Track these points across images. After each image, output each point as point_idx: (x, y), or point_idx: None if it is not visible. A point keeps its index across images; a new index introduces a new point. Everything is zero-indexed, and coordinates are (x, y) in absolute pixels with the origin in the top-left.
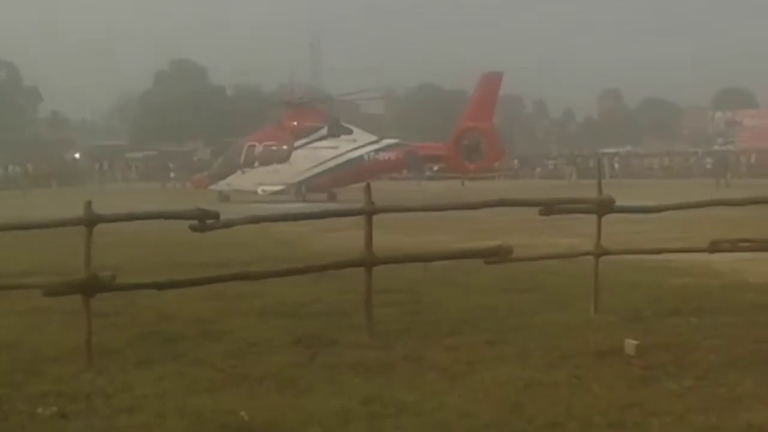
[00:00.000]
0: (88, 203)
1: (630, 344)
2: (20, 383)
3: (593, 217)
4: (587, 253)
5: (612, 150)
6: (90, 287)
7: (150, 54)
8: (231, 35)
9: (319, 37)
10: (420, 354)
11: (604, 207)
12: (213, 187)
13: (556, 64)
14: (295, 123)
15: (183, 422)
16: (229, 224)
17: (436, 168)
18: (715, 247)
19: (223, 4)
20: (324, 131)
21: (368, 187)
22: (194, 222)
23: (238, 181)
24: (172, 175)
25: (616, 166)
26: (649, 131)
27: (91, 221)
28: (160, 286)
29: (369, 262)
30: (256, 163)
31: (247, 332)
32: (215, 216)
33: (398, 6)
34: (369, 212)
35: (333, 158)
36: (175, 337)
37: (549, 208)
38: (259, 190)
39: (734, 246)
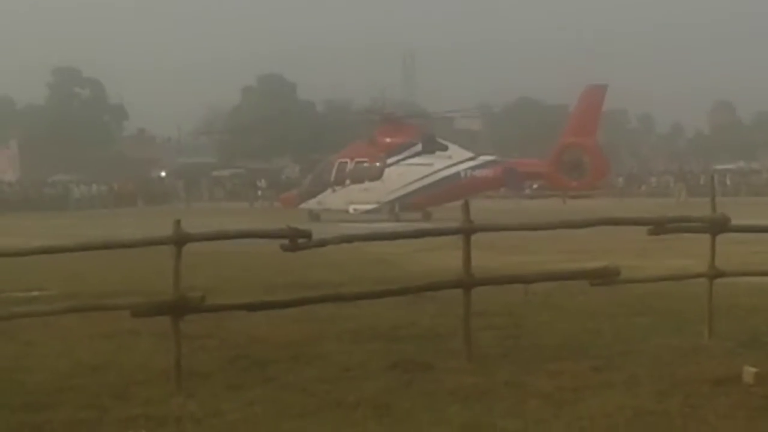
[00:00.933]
0: (177, 222)
1: (749, 372)
2: (108, 407)
3: (706, 237)
4: (700, 275)
5: (725, 166)
6: (179, 308)
7: (238, 70)
8: (321, 50)
9: (412, 52)
10: (522, 380)
11: (718, 226)
12: (303, 205)
13: (664, 76)
14: (388, 139)
15: None
16: (322, 243)
17: (535, 186)
18: None
19: (313, 19)
20: (418, 147)
21: (466, 204)
22: (285, 241)
23: (328, 199)
24: (260, 193)
25: (728, 182)
26: (765, 146)
27: (180, 240)
28: (250, 308)
29: (467, 283)
30: (348, 181)
31: (341, 356)
32: (307, 235)
33: (494, 21)
34: (467, 231)
35: (428, 176)
36: (266, 360)
37: (659, 227)
38: (351, 208)
39: None
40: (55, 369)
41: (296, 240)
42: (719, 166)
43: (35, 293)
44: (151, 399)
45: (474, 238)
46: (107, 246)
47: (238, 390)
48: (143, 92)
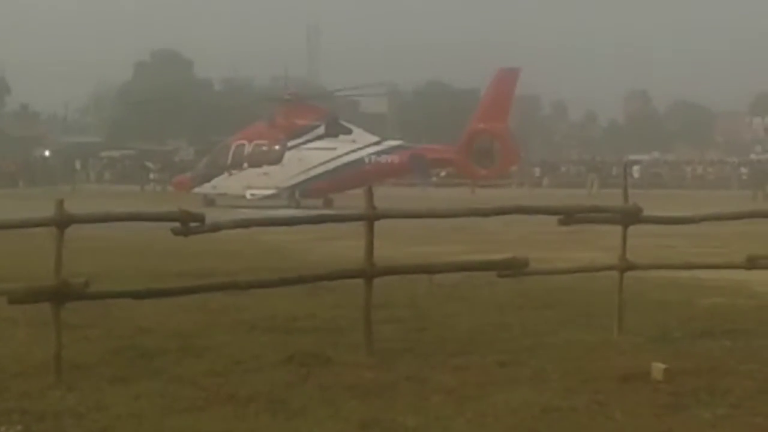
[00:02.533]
0: (60, 202)
1: (657, 368)
2: None
3: (617, 229)
4: (610, 268)
5: (638, 156)
6: (60, 295)
7: (129, 41)
8: (219, 23)
9: (316, 25)
10: (424, 375)
11: (629, 217)
12: (197, 190)
13: (578, 61)
14: (289, 121)
15: None
16: (216, 228)
17: (443, 173)
18: (752, 264)
19: None
20: (321, 130)
21: (369, 190)
22: (177, 225)
23: (224, 183)
24: (151, 176)
25: (636, 174)
26: (680, 137)
27: (62, 222)
28: (137, 295)
29: (369, 273)
30: (245, 165)
31: (234, 348)
32: (200, 219)
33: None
34: (370, 218)
35: (330, 160)
36: (154, 352)
37: (569, 217)
38: (248, 194)
39: None
40: None
41: (188, 223)
42: (633, 157)
43: None
44: (28, 392)
45: (377, 227)
46: None
47: (124, 383)
48: (26, 65)
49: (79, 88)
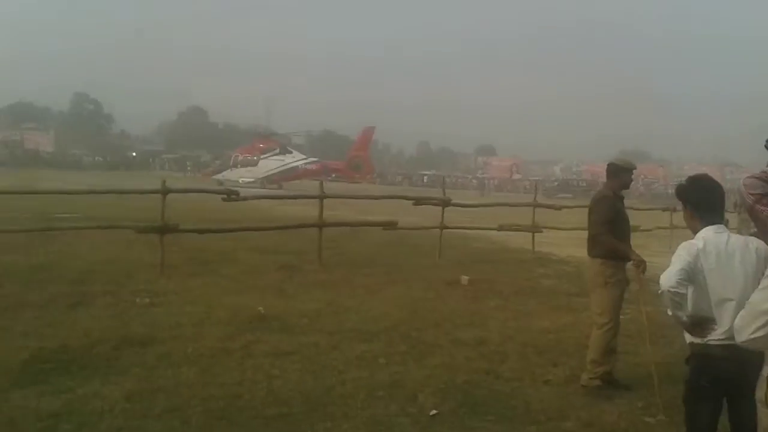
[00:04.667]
0: (164, 181)
1: (464, 278)
2: (123, 283)
3: (439, 208)
4: (436, 227)
5: (427, 172)
6: (163, 229)
7: (176, 98)
8: (221, 90)
9: (272, 97)
10: (350, 277)
11: (445, 202)
12: (214, 177)
13: (393, 123)
14: (261, 145)
15: (225, 312)
16: (245, 198)
17: (334, 175)
18: (500, 227)
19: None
20: (277, 151)
21: (321, 184)
22: (224, 195)
23: (228, 175)
24: (188, 169)
25: (425, 180)
26: (441, 163)
27: (165, 192)
28: (201, 231)
29: (321, 225)
30: (239, 166)
31: (251, 260)
32: (237, 193)
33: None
34: (321, 197)
35: (282, 166)
36: (209, 260)
37: (418, 201)
38: (241, 181)
39: (510, 227)
40: (87, 260)
41: (230, 195)
42: (423, 172)
43: (68, 215)
44: (147, 280)
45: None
46: (119, 191)
47: (196, 276)
48: (124, 106)
49: (150, 121)
